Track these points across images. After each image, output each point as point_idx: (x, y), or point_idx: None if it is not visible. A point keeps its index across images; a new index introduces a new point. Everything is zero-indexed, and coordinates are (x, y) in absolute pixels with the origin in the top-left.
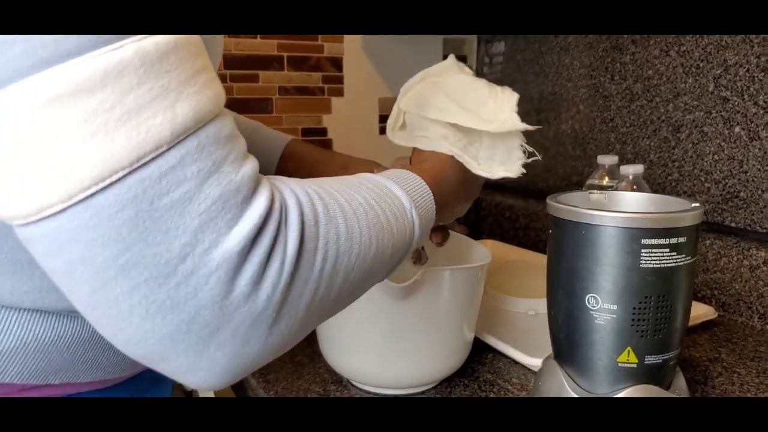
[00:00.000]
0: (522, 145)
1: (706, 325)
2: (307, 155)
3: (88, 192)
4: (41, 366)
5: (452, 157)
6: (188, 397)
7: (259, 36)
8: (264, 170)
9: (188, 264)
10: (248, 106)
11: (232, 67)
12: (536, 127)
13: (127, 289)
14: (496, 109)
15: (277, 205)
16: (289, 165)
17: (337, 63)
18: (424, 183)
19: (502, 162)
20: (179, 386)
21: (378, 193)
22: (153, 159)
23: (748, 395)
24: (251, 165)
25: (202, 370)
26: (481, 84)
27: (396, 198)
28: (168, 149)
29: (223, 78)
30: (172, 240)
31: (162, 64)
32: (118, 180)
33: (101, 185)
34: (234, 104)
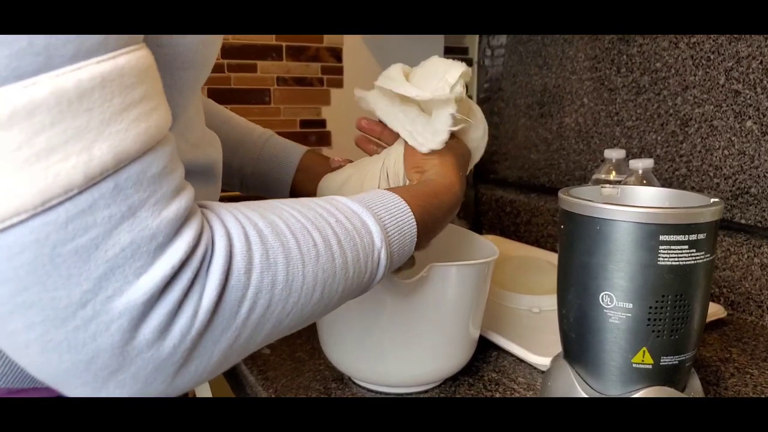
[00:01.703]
0: (452, 114)
1: (715, 324)
2: (321, 171)
3: None
4: (26, 371)
5: (458, 177)
6: (186, 397)
7: None
8: (279, 183)
9: (88, 310)
10: (246, 96)
11: (230, 56)
12: (458, 116)
13: (23, 326)
14: (438, 80)
15: (200, 251)
16: (303, 178)
17: (336, 54)
18: (410, 212)
19: (434, 133)
20: None
21: (347, 228)
22: (61, 203)
23: (763, 397)
24: (177, 205)
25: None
26: (440, 60)
27: (368, 234)
28: (79, 193)
29: (220, 68)
30: (73, 286)
31: (82, 103)
32: (20, 222)
33: (0, 226)
34: (231, 94)
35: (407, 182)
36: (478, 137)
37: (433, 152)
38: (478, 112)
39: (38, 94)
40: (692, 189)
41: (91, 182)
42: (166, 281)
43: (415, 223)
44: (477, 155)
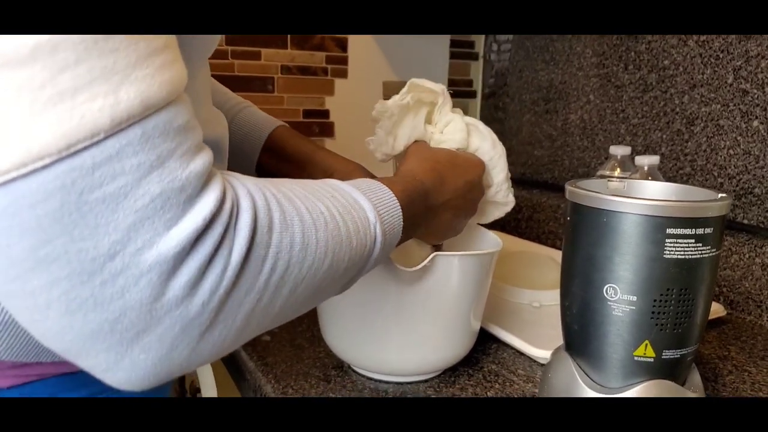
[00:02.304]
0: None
1: (714, 323)
2: (291, 151)
3: (7, 177)
4: (32, 343)
5: (438, 174)
6: (185, 397)
7: None
8: (245, 159)
9: (117, 263)
10: (249, 84)
11: (234, 43)
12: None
13: (46, 283)
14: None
15: (227, 206)
16: (269, 160)
17: (341, 43)
18: (394, 197)
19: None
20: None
21: (343, 203)
22: (86, 147)
23: (761, 395)
24: (203, 160)
25: (122, 370)
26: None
27: (361, 210)
28: (105, 138)
29: (224, 54)
30: (101, 236)
31: (108, 42)
32: (44, 167)
33: (22, 171)
34: (235, 82)
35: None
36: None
37: (413, 155)
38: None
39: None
40: None
41: (118, 128)
42: (198, 234)
43: (399, 205)
44: (498, 168)
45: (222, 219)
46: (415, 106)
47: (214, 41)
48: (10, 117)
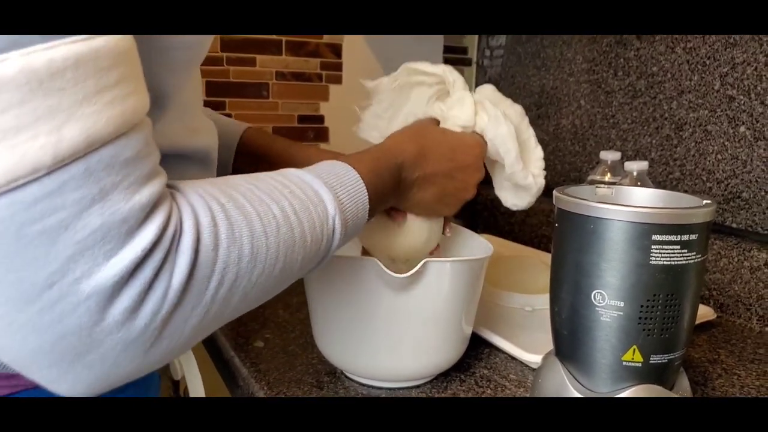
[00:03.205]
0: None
1: (704, 326)
2: (264, 151)
3: None
4: None
5: (414, 144)
6: (180, 397)
7: None
8: (220, 167)
9: (54, 292)
10: (244, 90)
11: (229, 49)
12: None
13: None
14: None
15: (169, 232)
16: (243, 164)
17: (336, 49)
18: (359, 178)
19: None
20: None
21: (300, 198)
22: (27, 183)
23: (750, 397)
24: (150, 190)
25: (66, 383)
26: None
27: (321, 203)
28: (47, 174)
29: (219, 61)
30: (39, 267)
31: (54, 82)
32: None
33: None
34: (230, 88)
35: None
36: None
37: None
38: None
39: (7, 72)
40: (685, 192)
41: (61, 164)
42: (137, 263)
43: (365, 189)
44: (506, 148)
45: (163, 245)
46: (416, 90)
47: (199, 53)
48: None
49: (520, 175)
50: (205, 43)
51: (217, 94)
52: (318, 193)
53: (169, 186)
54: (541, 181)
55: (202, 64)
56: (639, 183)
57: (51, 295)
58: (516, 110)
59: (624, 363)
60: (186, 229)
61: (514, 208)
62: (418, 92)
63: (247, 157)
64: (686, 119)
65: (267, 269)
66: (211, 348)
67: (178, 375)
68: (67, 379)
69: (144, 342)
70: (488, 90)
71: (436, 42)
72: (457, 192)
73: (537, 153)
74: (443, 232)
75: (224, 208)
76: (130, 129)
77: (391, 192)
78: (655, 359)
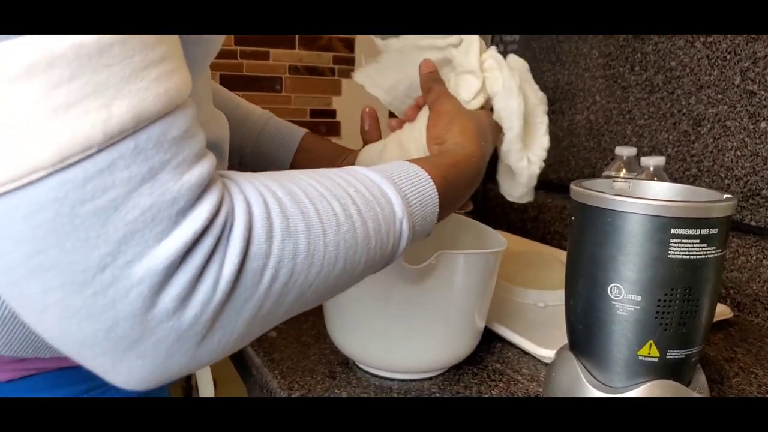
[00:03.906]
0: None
1: (721, 325)
2: (321, 152)
3: (4, 188)
4: (31, 338)
5: (478, 147)
6: (191, 392)
7: None
8: (279, 164)
9: (107, 275)
10: (258, 84)
11: (243, 43)
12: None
13: (41, 290)
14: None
15: (221, 218)
16: (303, 159)
17: (349, 44)
18: (431, 183)
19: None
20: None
21: (366, 198)
22: (79, 161)
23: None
24: (200, 170)
25: (121, 374)
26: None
27: (388, 204)
28: (98, 152)
29: (233, 54)
30: (91, 249)
31: (102, 58)
32: (38, 180)
33: (17, 183)
34: (243, 81)
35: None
36: (510, 107)
37: (453, 123)
38: (509, 81)
39: (58, 47)
40: None
41: (111, 141)
42: (188, 248)
43: (436, 193)
44: (509, 124)
45: (214, 231)
46: (426, 54)
47: (214, 48)
48: (6, 132)
49: (515, 156)
50: (219, 38)
51: (231, 88)
52: (386, 194)
53: (223, 175)
54: (535, 169)
55: (216, 58)
56: (655, 179)
57: (104, 278)
58: (539, 96)
59: (640, 358)
60: (237, 217)
61: (509, 198)
62: (426, 56)
63: (306, 156)
64: (705, 115)
65: (326, 268)
66: None
67: None
68: (122, 370)
69: (195, 334)
70: (518, 63)
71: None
72: (478, 180)
73: (543, 141)
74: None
75: (280, 201)
76: (176, 107)
77: (460, 197)
78: (672, 354)
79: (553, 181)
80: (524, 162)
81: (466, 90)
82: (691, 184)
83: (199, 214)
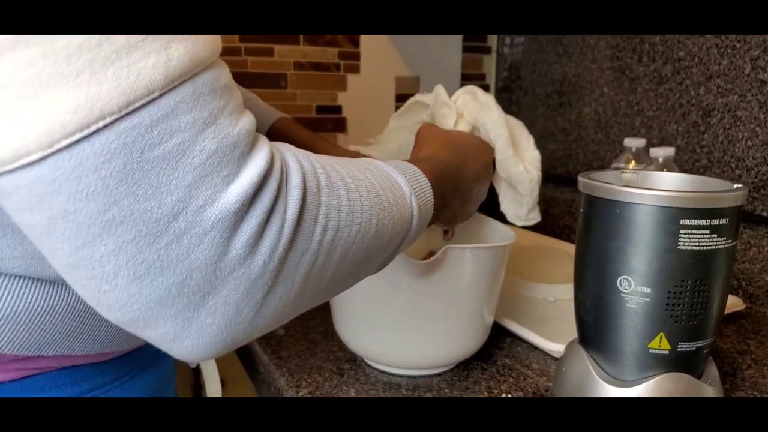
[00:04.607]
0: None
1: (732, 317)
2: (296, 138)
3: (72, 138)
4: (34, 336)
5: (452, 160)
6: (200, 390)
7: None
8: None
9: (181, 222)
10: (262, 80)
11: (247, 40)
12: None
13: (113, 248)
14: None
15: (277, 164)
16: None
17: (353, 39)
18: (423, 175)
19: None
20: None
21: (378, 175)
22: (144, 105)
23: None
24: (248, 119)
25: (189, 338)
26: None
27: (395, 183)
28: (161, 95)
29: (237, 51)
30: (164, 195)
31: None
32: (106, 126)
33: (86, 131)
34: (248, 78)
35: None
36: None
37: (425, 142)
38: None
39: None
40: None
41: (171, 85)
42: (255, 189)
43: (428, 182)
44: (496, 133)
45: (275, 176)
46: (413, 118)
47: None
48: (72, 77)
49: (510, 162)
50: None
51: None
52: (391, 174)
53: None
54: (535, 174)
55: (220, 55)
56: (665, 170)
57: (178, 225)
58: (515, 120)
59: (650, 350)
60: (292, 166)
61: (518, 222)
62: (413, 118)
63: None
64: (714, 105)
65: (363, 227)
66: None
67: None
68: (191, 332)
69: (263, 284)
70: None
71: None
72: (479, 198)
73: (534, 155)
74: (445, 237)
75: (318, 159)
76: (218, 58)
77: (450, 197)
78: (683, 347)
79: (561, 174)
80: (520, 167)
81: (445, 120)
82: (702, 175)
83: (260, 157)
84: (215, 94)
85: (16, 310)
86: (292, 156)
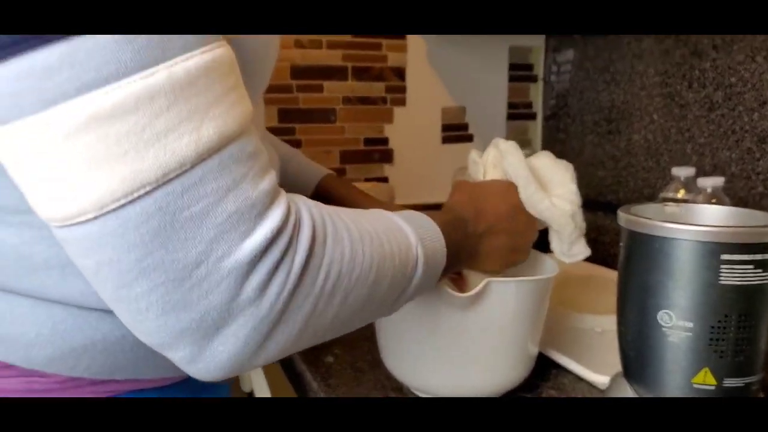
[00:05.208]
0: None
1: None
2: (337, 196)
3: (119, 203)
4: (107, 363)
5: (471, 205)
6: (245, 397)
7: (324, 46)
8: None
9: (202, 270)
10: (312, 116)
11: (298, 77)
12: None
13: (146, 289)
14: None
15: (291, 220)
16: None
17: (400, 73)
18: (435, 224)
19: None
20: (237, 386)
21: (385, 224)
22: (177, 176)
23: None
24: (269, 180)
25: (203, 361)
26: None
27: (403, 233)
28: (191, 167)
29: (289, 88)
30: (189, 248)
31: (191, 88)
32: (146, 194)
33: (130, 198)
34: (299, 114)
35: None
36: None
37: (454, 193)
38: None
39: (157, 82)
40: None
41: (200, 158)
42: (267, 244)
43: (440, 232)
44: (516, 174)
45: (287, 231)
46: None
47: (265, 79)
48: (121, 156)
49: (535, 198)
50: (268, 71)
51: (288, 120)
52: (399, 225)
53: None
54: (568, 207)
55: (274, 92)
56: (714, 200)
57: (199, 272)
58: (550, 159)
59: (695, 386)
60: (304, 221)
61: (565, 259)
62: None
63: (320, 199)
64: None
65: (363, 274)
66: (283, 361)
67: (247, 387)
68: (205, 357)
69: (268, 323)
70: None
71: (501, 60)
72: (522, 238)
73: (570, 187)
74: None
75: (329, 213)
76: (247, 128)
77: (464, 244)
78: (729, 383)
79: (611, 201)
80: (545, 203)
81: (476, 176)
82: (758, 203)
83: (275, 215)
84: (239, 162)
85: (93, 340)
86: (306, 209)
